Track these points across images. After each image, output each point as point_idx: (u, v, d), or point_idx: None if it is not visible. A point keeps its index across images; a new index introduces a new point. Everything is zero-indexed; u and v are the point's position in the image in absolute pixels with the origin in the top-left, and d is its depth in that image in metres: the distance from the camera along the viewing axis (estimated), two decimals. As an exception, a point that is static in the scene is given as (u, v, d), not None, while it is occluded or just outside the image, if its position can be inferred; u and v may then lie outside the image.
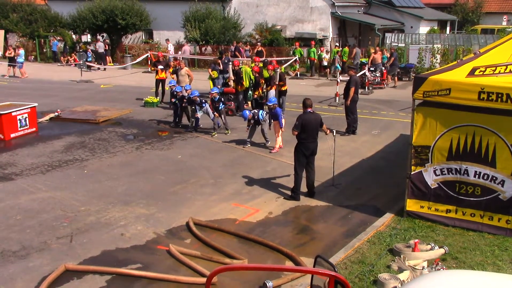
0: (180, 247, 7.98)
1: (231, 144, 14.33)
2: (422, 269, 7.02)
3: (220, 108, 15.47)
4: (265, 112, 14.06)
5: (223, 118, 15.60)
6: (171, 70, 21.42)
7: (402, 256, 7.39)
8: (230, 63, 21.40)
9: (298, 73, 28.42)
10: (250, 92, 19.61)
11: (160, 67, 20.67)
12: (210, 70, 20.46)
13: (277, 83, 17.51)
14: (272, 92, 17.10)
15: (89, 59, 32.00)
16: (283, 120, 13.56)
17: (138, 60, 31.65)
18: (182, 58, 28.01)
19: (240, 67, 18.64)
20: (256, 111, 14.27)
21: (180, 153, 13.53)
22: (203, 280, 6.98)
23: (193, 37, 32.72)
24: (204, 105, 15.36)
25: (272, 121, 13.88)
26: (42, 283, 6.92)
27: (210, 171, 12.05)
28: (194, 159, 13.03)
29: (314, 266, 4.23)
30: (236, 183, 11.29)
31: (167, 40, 32.44)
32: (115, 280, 7.14)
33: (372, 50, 25.83)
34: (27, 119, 15.60)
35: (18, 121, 15.35)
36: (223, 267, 4.21)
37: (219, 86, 19.45)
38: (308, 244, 8.43)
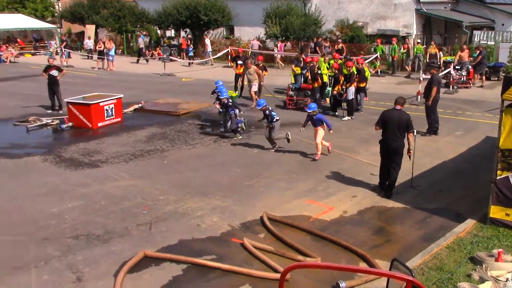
0: (254, 241, 8.05)
1: (308, 140, 14.24)
2: (506, 281, 6.64)
3: (230, 112, 14.68)
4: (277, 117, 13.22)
5: (229, 123, 14.73)
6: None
7: (484, 265, 7.03)
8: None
9: (379, 70, 27.76)
10: (328, 88, 19.44)
11: (239, 62, 20.98)
12: (293, 66, 20.55)
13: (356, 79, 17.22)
14: (352, 89, 16.82)
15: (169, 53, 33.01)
16: (329, 123, 12.67)
17: (219, 55, 32.23)
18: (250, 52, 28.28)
19: (310, 63, 18.61)
20: (271, 110, 13.48)
21: (256, 147, 13.65)
22: (276, 275, 7.01)
23: (273, 33, 32.85)
24: (231, 110, 14.65)
25: (313, 127, 12.72)
26: (123, 267, 7.24)
27: (285, 166, 12.07)
28: (270, 154, 13.09)
29: (390, 270, 4.12)
30: (311, 179, 11.23)
31: (254, 38, 33.01)
32: (191, 269, 7.34)
33: (461, 48, 24.67)
34: (113, 109, 16.36)
35: (105, 111, 16.13)
36: (297, 264, 4.20)
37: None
38: (383, 246, 8.24)
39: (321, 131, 12.50)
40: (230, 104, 14.80)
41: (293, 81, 19.95)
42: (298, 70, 20.07)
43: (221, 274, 7.21)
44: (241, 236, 8.31)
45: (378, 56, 27.63)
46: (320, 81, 18.49)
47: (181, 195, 10.21)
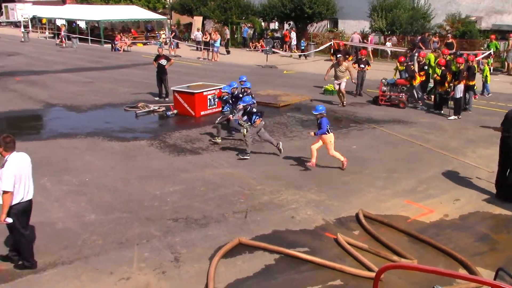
0: (348, 237, 7.95)
1: (410, 138, 13.77)
2: None
3: (223, 110, 13.72)
4: (257, 117, 12.11)
5: (220, 118, 13.60)
6: (350, 59, 21.30)
7: None
8: (416, 55, 20.58)
9: (492, 68, 26.07)
10: (430, 85, 18.65)
11: (339, 56, 20.64)
12: (398, 61, 19.95)
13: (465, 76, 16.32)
14: (460, 87, 15.97)
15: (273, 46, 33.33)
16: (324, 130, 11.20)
17: (321, 48, 32.04)
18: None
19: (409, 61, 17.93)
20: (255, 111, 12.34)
21: (355, 143, 13.43)
22: (369, 274, 6.89)
23: (378, 26, 32.03)
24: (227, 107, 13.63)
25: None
26: (218, 252, 7.48)
27: (384, 164, 11.76)
28: (369, 151, 12.82)
29: (494, 279, 3.88)
30: (411, 179, 10.85)
31: (355, 32, 32.38)
32: (283, 260, 7.41)
33: None
34: (216, 99, 16.84)
35: (208, 100, 16.66)
36: (393, 264, 4.10)
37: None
38: (486, 254, 7.78)
39: (331, 140, 11.25)
40: (230, 101, 13.57)
41: (394, 77, 19.33)
42: (402, 68, 19.42)
43: (313, 267, 7.21)
44: (335, 231, 8.24)
45: (492, 53, 25.95)
46: (419, 78, 17.84)
47: (277, 187, 10.31)
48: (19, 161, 6.83)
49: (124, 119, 16.18)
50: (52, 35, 47.84)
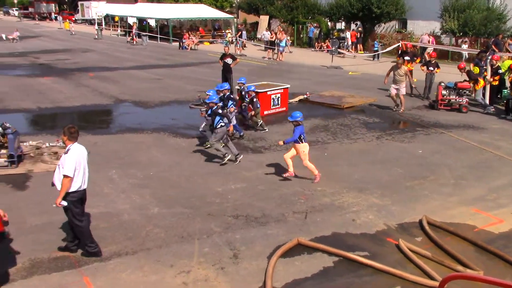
0: (410, 244, 7.75)
1: (480, 145, 13.23)
2: None
3: (208, 112, 12.17)
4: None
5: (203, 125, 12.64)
6: (418, 61, 20.72)
7: None
8: (489, 58, 19.66)
9: None
10: (506, 91, 17.80)
11: (406, 58, 20.17)
12: (472, 65, 19.18)
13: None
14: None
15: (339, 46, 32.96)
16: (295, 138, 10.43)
17: (388, 49, 31.38)
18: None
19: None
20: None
21: (422, 148, 13.05)
22: (431, 282, 6.68)
23: (449, 27, 30.96)
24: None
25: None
26: (277, 251, 7.49)
27: (452, 171, 11.36)
28: (436, 156, 12.42)
29: None
30: (480, 187, 10.41)
31: (425, 33, 31.41)
32: (342, 263, 7.32)
33: None
34: (279, 98, 16.87)
35: (272, 100, 16.70)
36: (458, 274, 3.96)
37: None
38: (560, 270, 7.34)
39: (305, 149, 10.50)
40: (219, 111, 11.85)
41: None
42: (476, 70, 18.65)
43: (372, 272, 7.08)
44: (397, 236, 8.05)
45: None
46: (482, 82, 17.11)
47: (338, 189, 10.20)
48: (79, 151, 7.25)
49: (189, 116, 16.52)
50: (123, 32, 49.62)
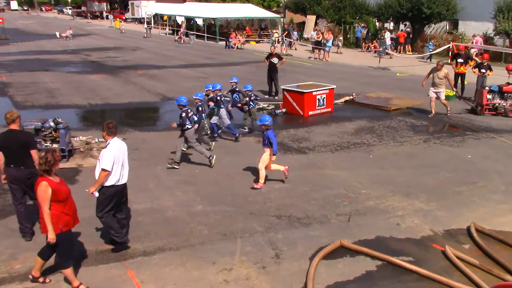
0: (457, 251, 7.54)
1: (533, 151, 12.74)
2: None
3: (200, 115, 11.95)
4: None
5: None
6: (472, 63, 20.12)
7: None
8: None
9: None
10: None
11: (460, 60, 19.66)
12: (506, 69, 18.50)
13: None
14: None
15: (388, 47, 32.43)
16: (276, 146, 10.20)
17: (438, 50, 30.63)
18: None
19: None
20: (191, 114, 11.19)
21: (471, 153, 12.67)
22: (478, 292, 6.48)
23: (503, 29, 29.93)
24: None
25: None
26: (319, 252, 7.44)
27: (502, 177, 10.98)
28: (486, 161, 12.04)
29: None
30: (532, 195, 10.03)
31: (478, 34, 30.47)
32: (385, 267, 7.20)
33: None
34: (325, 99, 16.75)
35: (317, 101, 16.60)
36: (507, 283, 3.82)
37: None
38: None
39: (266, 154, 10.19)
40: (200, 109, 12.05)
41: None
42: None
43: (416, 278, 6.92)
44: (443, 243, 7.85)
45: None
46: None
47: (383, 192, 10.04)
48: (118, 146, 7.38)
49: (236, 115, 16.59)
50: (171, 31, 50.44)
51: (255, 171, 11.08)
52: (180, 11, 48.89)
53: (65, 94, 19.43)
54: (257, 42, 42.68)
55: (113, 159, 7.14)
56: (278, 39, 37.95)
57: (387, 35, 33.97)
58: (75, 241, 7.38)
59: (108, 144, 7.31)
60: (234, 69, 27.29)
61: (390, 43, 33.61)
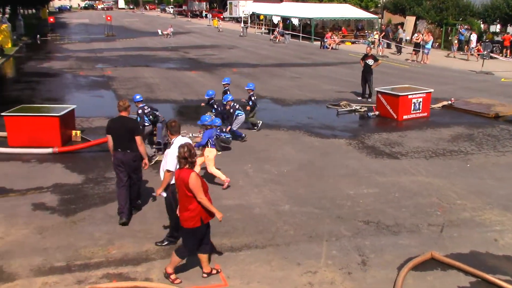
0: (562, 274, 6.96)
1: None
2: None
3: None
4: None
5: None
6: None
7: None
8: None
9: None
10: None
11: None
12: None
13: None
14: None
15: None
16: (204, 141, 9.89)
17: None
18: None
19: None
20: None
21: None
22: None
23: None
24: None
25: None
26: (408, 262, 7.18)
27: None
28: None
29: None
30: None
31: None
32: (480, 285, 6.80)
33: None
34: (421, 103, 16.14)
35: (412, 104, 16.03)
36: None
37: None
38: None
39: (211, 154, 9.94)
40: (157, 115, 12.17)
41: None
42: None
43: (514, 299, 6.48)
44: (546, 264, 7.28)
45: None
46: None
47: (480, 204, 9.49)
48: None
49: (325, 116, 16.50)
50: (267, 30, 50.99)
51: (346, 174, 10.93)
52: (276, 11, 49.27)
53: (163, 89, 20.29)
54: (353, 42, 42.00)
55: (176, 159, 6.98)
56: (375, 40, 37.07)
57: (473, 37, 32.10)
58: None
59: (172, 143, 7.35)
60: (327, 69, 27.07)
61: (473, 46, 31.78)
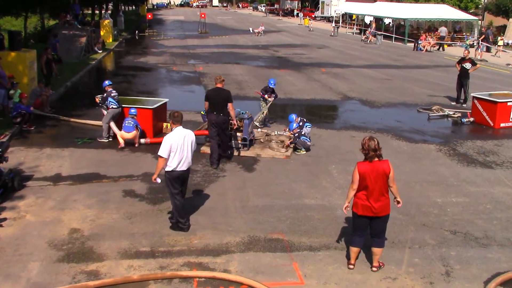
0: None
1: None
2: None
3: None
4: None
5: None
6: None
7: None
8: None
9: None
10: None
11: None
12: None
13: None
14: None
15: None
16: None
17: None
18: None
19: None
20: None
21: None
22: None
23: None
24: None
25: None
26: (496, 278, 6.80)
27: None
28: None
29: None
30: None
31: None
32: None
33: None
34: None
35: (512, 112, 15.12)
36: None
37: None
38: None
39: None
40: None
41: None
42: None
43: None
44: None
45: None
46: None
47: None
48: (180, 135, 7.76)
49: (415, 120, 15.97)
50: (358, 31, 50.14)
51: (434, 181, 10.54)
52: (369, 11, 48.29)
53: (251, 87, 20.57)
54: (449, 45, 40.23)
55: (169, 147, 7.58)
56: (473, 43, 35.26)
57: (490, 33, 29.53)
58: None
59: (172, 131, 7.82)
60: (420, 72, 26.15)
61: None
